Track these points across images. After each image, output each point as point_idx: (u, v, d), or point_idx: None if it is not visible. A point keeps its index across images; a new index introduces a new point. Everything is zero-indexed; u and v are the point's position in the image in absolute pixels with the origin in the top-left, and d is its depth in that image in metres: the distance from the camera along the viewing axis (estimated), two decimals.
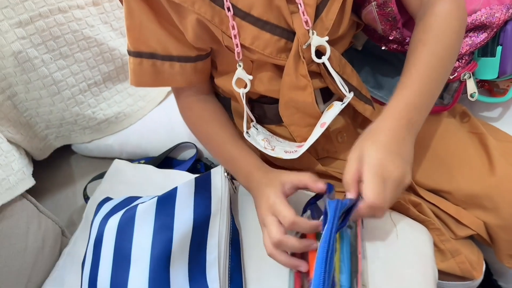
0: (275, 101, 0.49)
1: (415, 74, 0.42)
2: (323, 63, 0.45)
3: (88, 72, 0.74)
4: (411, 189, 0.52)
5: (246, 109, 0.48)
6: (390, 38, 0.50)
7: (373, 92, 0.57)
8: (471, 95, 0.48)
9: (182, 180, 0.51)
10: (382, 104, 0.57)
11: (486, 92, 0.59)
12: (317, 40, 0.43)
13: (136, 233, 0.44)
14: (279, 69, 0.47)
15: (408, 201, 0.50)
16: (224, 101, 0.56)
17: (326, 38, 0.44)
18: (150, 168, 0.63)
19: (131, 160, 0.75)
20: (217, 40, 0.46)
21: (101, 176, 0.67)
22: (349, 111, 0.53)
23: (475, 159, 0.50)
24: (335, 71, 0.45)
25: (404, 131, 0.40)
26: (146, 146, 0.76)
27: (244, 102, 0.47)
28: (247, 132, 0.50)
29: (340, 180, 0.43)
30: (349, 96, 0.46)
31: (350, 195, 0.38)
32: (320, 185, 0.42)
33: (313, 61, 0.45)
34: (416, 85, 0.42)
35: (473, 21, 0.47)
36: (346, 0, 0.45)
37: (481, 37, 0.47)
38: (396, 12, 0.48)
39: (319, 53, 0.44)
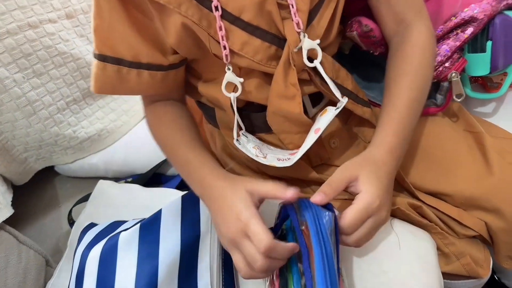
0: (263, 109, 0.47)
1: (400, 107, 0.44)
2: (316, 70, 0.43)
3: (66, 89, 0.71)
4: (409, 192, 0.50)
5: (236, 115, 0.46)
6: (375, 54, 0.48)
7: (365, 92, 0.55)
8: (457, 96, 0.47)
9: (170, 199, 0.48)
10: (375, 104, 0.55)
11: (480, 87, 0.58)
12: (308, 43, 0.41)
13: (119, 264, 0.41)
14: (268, 76, 0.45)
15: (408, 204, 0.48)
16: (209, 110, 0.53)
17: (318, 41, 0.42)
18: (136, 187, 0.61)
19: (118, 179, 0.72)
20: (202, 46, 0.43)
21: (86, 198, 0.64)
22: (341, 115, 0.51)
23: (472, 160, 0.49)
24: (327, 76, 0.43)
25: (395, 166, 0.43)
26: (132, 163, 0.73)
27: (235, 107, 0.45)
28: (237, 140, 0.47)
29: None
30: (343, 101, 0.44)
31: (319, 197, 0.37)
32: (290, 192, 0.37)
33: (304, 68, 0.43)
34: (403, 118, 0.44)
35: (459, 20, 0.45)
36: (337, 9, 0.44)
37: (467, 32, 0.46)
38: (380, 38, 0.48)
39: (310, 59, 0.42)
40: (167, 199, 0.48)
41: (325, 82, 0.43)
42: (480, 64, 0.47)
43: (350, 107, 0.46)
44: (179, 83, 0.49)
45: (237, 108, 0.45)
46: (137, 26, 0.42)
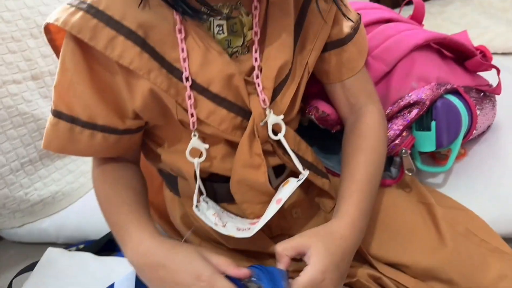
0: (226, 179, 0.47)
1: (359, 181, 0.46)
2: (278, 142, 0.45)
3: (22, 149, 0.68)
4: (370, 263, 0.51)
5: (198, 180, 0.45)
6: (333, 131, 0.52)
7: (324, 162, 0.57)
8: (408, 170, 0.51)
9: (124, 270, 0.45)
10: (334, 174, 0.57)
11: (430, 158, 0.62)
12: (273, 118, 0.44)
13: None
14: (232, 145, 0.46)
15: (368, 276, 0.49)
16: (170, 178, 0.52)
17: (282, 116, 0.44)
18: (88, 256, 0.57)
19: (69, 245, 0.68)
20: (167, 112, 0.44)
21: (31, 267, 0.59)
22: (302, 185, 0.53)
23: (427, 231, 0.51)
24: (290, 148, 0.45)
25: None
26: (86, 228, 0.70)
27: (197, 172, 0.45)
28: (196, 206, 0.46)
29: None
30: (304, 174, 0.45)
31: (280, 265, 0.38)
32: (242, 272, 0.37)
33: (267, 140, 0.45)
34: (362, 191, 0.45)
35: (409, 100, 0.50)
36: (299, 89, 0.48)
37: (412, 114, 0.51)
38: (336, 119, 0.53)
39: (274, 132, 0.45)
40: (121, 270, 0.46)
41: (288, 154, 0.45)
42: (426, 141, 0.52)
43: (310, 178, 0.48)
44: (132, 147, 0.49)
45: (201, 179, 0.45)
46: (98, 87, 0.42)
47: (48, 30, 0.43)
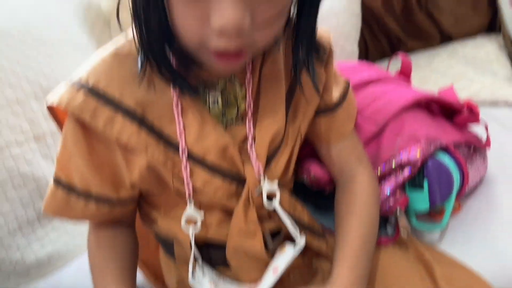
0: (222, 244, 0.48)
1: (353, 243, 0.47)
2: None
3: (21, 210, 0.69)
4: None
5: (193, 248, 0.46)
6: (326, 193, 0.53)
7: (320, 221, 0.58)
8: (403, 229, 0.52)
9: None
10: (330, 232, 0.57)
11: (425, 214, 0.62)
12: (267, 186, 0.45)
13: None
14: (228, 212, 0.47)
15: None
16: (167, 243, 0.53)
17: (276, 184, 0.46)
18: None
19: None
20: (164, 183, 0.46)
21: None
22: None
23: None
24: (286, 211, 0.46)
25: None
26: None
27: (192, 242, 0.46)
28: (192, 276, 0.47)
29: None
30: (300, 243, 0.46)
31: None
32: None
33: (263, 206, 0.46)
34: (356, 253, 0.46)
35: (400, 161, 0.52)
36: (293, 154, 0.49)
37: (404, 173, 0.52)
38: (329, 182, 0.54)
39: (269, 196, 0.46)
40: None
41: (285, 218, 0.46)
42: (420, 200, 0.53)
43: (307, 240, 0.48)
44: (127, 215, 0.51)
45: (197, 244, 0.46)
46: (96, 163, 0.44)
47: (50, 106, 0.46)
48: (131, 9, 0.37)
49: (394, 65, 0.85)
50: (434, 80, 1.02)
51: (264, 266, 0.46)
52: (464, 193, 0.58)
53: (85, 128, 0.43)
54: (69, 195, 0.45)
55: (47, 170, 0.73)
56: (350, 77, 0.58)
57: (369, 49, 1.31)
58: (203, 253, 0.49)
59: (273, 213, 0.47)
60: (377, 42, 1.31)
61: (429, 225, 0.57)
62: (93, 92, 0.41)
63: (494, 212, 0.63)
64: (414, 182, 0.53)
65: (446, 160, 0.54)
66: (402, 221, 0.50)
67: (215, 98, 0.45)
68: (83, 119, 0.41)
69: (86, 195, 0.45)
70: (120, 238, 0.51)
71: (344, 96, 0.52)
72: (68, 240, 0.73)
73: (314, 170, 0.52)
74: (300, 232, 0.47)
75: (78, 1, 1.00)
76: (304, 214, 0.50)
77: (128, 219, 0.53)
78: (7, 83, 0.71)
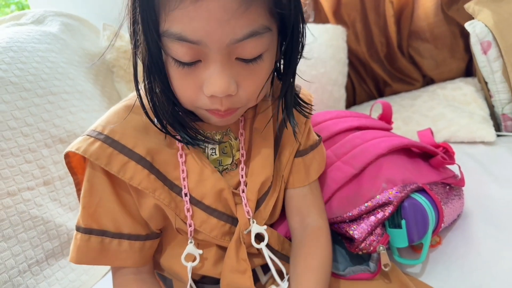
0: (216, 281, 0.52)
1: None
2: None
3: (31, 251, 0.73)
4: None
5: (190, 281, 0.50)
6: None
7: None
8: (384, 266, 0.55)
9: None
10: None
11: (408, 247, 0.67)
12: (256, 228, 0.50)
13: None
14: (223, 251, 0.52)
15: None
16: (166, 281, 0.58)
17: (265, 227, 0.51)
18: None
19: None
20: (168, 220, 0.51)
21: None
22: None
23: None
24: (274, 250, 0.51)
25: None
26: None
27: (189, 275, 0.50)
28: None
29: None
30: (283, 286, 0.50)
31: None
32: None
33: (252, 246, 0.51)
34: None
35: (378, 202, 0.57)
36: (279, 198, 0.55)
37: (382, 213, 0.56)
38: None
39: (260, 236, 0.51)
40: None
41: (271, 260, 0.51)
42: (399, 238, 0.57)
43: None
44: (152, 253, 0.54)
45: (194, 280, 0.51)
46: (122, 202, 0.49)
47: (67, 154, 0.50)
48: (143, 88, 0.44)
49: (377, 108, 0.93)
50: (417, 120, 1.09)
51: None
52: (439, 230, 0.63)
53: (108, 174, 0.48)
54: (103, 239, 0.48)
55: (55, 212, 0.78)
56: (332, 126, 0.65)
57: (356, 91, 1.40)
58: None
59: (262, 252, 0.52)
60: (364, 85, 1.39)
61: (409, 260, 0.62)
62: (109, 141, 0.46)
63: (471, 246, 0.67)
64: (393, 222, 0.59)
65: (421, 200, 0.59)
66: (385, 259, 0.54)
67: (213, 149, 0.51)
68: (99, 165, 0.46)
69: (119, 235, 0.49)
70: (150, 282, 0.53)
71: (314, 146, 0.59)
72: (74, 278, 0.77)
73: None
74: (287, 274, 0.52)
75: (82, 52, 1.08)
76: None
77: (150, 264, 0.55)
78: (20, 132, 0.78)
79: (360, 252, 0.57)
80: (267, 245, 0.51)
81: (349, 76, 1.33)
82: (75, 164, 0.51)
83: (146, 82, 0.43)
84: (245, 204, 0.50)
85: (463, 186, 0.70)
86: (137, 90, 0.45)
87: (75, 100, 0.94)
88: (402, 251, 0.66)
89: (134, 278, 0.53)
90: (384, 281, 0.61)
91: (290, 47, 0.44)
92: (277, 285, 0.51)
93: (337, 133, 0.67)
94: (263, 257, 0.52)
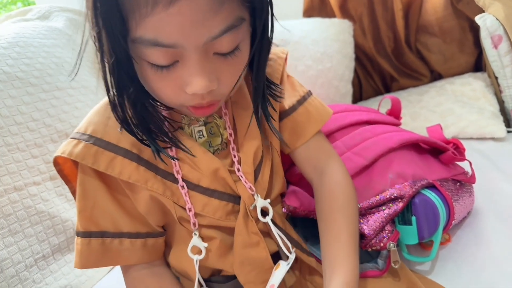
0: (226, 279, 0.52)
1: (344, 240, 0.48)
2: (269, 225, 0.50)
3: (37, 246, 0.73)
4: None
5: (197, 275, 0.50)
6: (314, 217, 0.57)
7: (311, 248, 0.61)
8: (394, 263, 0.54)
9: None
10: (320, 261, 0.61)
11: (417, 245, 0.66)
12: (261, 202, 0.50)
13: None
14: (228, 242, 0.51)
15: None
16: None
17: (269, 200, 0.50)
18: None
19: None
20: (168, 213, 0.50)
21: None
22: (297, 265, 0.57)
23: None
24: (279, 226, 0.51)
25: None
26: None
27: (197, 268, 0.50)
28: None
29: None
30: (291, 257, 0.50)
31: None
32: None
33: (258, 221, 0.50)
34: (349, 250, 0.47)
35: (390, 195, 0.56)
36: (274, 167, 0.55)
37: (392, 209, 0.55)
38: (307, 211, 0.57)
39: (264, 213, 0.50)
40: None
41: (278, 233, 0.50)
42: (409, 235, 0.57)
43: (298, 255, 0.52)
44: (158, 253, 0.54)
45: (204, 279, 0.50)
46: (118, 202, 0.49)
47: (56, 162, 0.50)
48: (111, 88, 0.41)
49: (386, 103, 0.91)
50: (425, 116, 1.08)
51: (269, 277, 0.50)
52: (450, 227, 0.62)
53: (99, 175, 0.48)
54: (103, 240, 0.48)
55: (61, 207, 0.78)
56: (341, 119, 0.64)
57: (363, 87, 1.38)
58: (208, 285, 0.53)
59: (268, 229, 0.51)
60: (371, 80, 1.38)
61: (419, 258, 0.61)
62: (93, 140, 0.46)
63: (481, 244, 0.66)
64: (404, 218, 0.58)
65: (432, 196, 0.58)
66: (395, 255, 0.53)
67: (200, 132, 0.51)
68: (86, 164, 0.46)
69: (119, 235, 0.49)
70: (166, 274, 0.53)
71: (302, 100, 0.57)
72: (80, 273, 0.77)
73: (289, 201, 0.56)
74: (292, 248, 0.51)
75: (88, 47, 1.07)
76: (293, 232, 0.55)
77: (161, 259, 0.55)
78: (26, 127, 0.78)
79: (370, 249, 0.56)
80: (272, 222, 0.51)
81: (355, 71, 1.32)
82: (68, 172, 0.51)
83: (113, 92, 0.42)
84: (245, 181, 0.50)
85: (474, 183, 0.69)
86: (109, 98, 0.43)
87: (80, 95, 0.93)
88: (411, 248, 0.65)
89: (148, 273, 0.52)
90: (392, 279, 0.60)
91: (262, 32, 0.43)
92: (286, 258, 0.51)
93: (347, 125, 0.66)
94: (271, 238, 0.51)
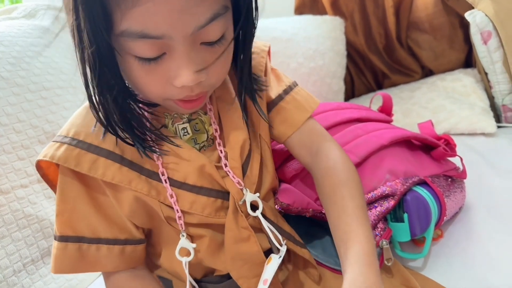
0: (219, 280, 0.51)
1: (352, 216, 0.46)
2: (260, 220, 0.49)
3: (26, 250, 0.71)
4: None
5: (188, 277, 0.49)
6: (307, 215, 0.57)
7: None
8: (387, 261, 0.54)
9: None
10: (319, 263, 0.61)
11: (409, 241, 0.66)
12: (250, 196, 0.49)
13: None
14: (219, 239, 0.50)
15: None
16: (166, 283, 0.56)
17: (258, 194, 0.50)
18: None
19: None
20: (154, 215, 0.49)
21: None
22: (290, 259, 0.57)
23: None
24: (270, 220, 0.50)
25: (379, 276, 0.42)
26: None
27: (186, 271, 0.49)
28: None
29: None
30: (282, 249, 0.49)
31: None
32: None
33: (249, 215, 0.49)
34: (364, 225, 0.45)
35: (381, 193, 0.56)
36: (263, 161, 0.54)
37: (384, 206, 0.56)
38: (301, 208, 0.56)
39: (254, 208, 0.50)
40: None
41: (268, 227, 0.50)
42: (402, 232, 0.57)
43: (291, 247, 0.52)
44: (136, 259, 0.52)
45: (196, 280, 0.49)
46: (98, 206, 0.48)
47: (39, 166, 0.49)
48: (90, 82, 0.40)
49: (377, 100, 0.91)
50: (416, 112, 1.08)
51: (261, 273, 0.49)
52: (442, 223, 0.62)
53: (79, 177, 0.47)
54: (80, 245, 0.47)
55: (50, 210, 0.76)
56: (332, 117, 0.63)
57: (355, 84, 1.38)
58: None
59: (259, 223, 0.50)
60: (363, 77, 1.38)
61: (412, 254, 0.61)
62: (75, 142, 0.46)
63: (472, 239, 0.66)
64: (395, 216, 0.58)
65: (423, 193, 0.58)
66: (387, 254, 0.53)
67: (184, 129, 0.50)
68: (68, 167, 0.45)
69: (97, 241, 0.48)
70: (148, 277, 0.52)
71: (289, 90, 0.57)
72: (71, 276, 0.75)
73: (282, 198, 0.55)
74: (283, 240, 0.51)
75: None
76: (286, 224, 0.54)
77: (139, 263, 0.53)
78: (12, 129, 0.76)
79: None
80: (263, 216, 0.50)
81: (347, 68, 1.32)
82: (53, 176, 0.50)
83: (96, 90, 0.40)
84: (233, 176, 0.49)
85: (465, 178, 0.70)
86: (89, 97, 0.42)
87: (69, 95, 0.92)
88: (404, 245, 0.65)
89: (129, 275, 0.51)
90: (386, 276, 0.60)
91: (245, 21, 0.43)
92: (278, 252, 0.50)
93: (338, 123, 0.65)
94: (262, 234, 0.51)
